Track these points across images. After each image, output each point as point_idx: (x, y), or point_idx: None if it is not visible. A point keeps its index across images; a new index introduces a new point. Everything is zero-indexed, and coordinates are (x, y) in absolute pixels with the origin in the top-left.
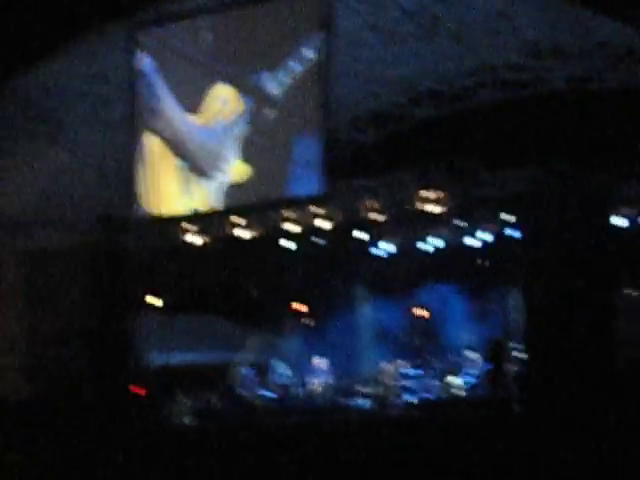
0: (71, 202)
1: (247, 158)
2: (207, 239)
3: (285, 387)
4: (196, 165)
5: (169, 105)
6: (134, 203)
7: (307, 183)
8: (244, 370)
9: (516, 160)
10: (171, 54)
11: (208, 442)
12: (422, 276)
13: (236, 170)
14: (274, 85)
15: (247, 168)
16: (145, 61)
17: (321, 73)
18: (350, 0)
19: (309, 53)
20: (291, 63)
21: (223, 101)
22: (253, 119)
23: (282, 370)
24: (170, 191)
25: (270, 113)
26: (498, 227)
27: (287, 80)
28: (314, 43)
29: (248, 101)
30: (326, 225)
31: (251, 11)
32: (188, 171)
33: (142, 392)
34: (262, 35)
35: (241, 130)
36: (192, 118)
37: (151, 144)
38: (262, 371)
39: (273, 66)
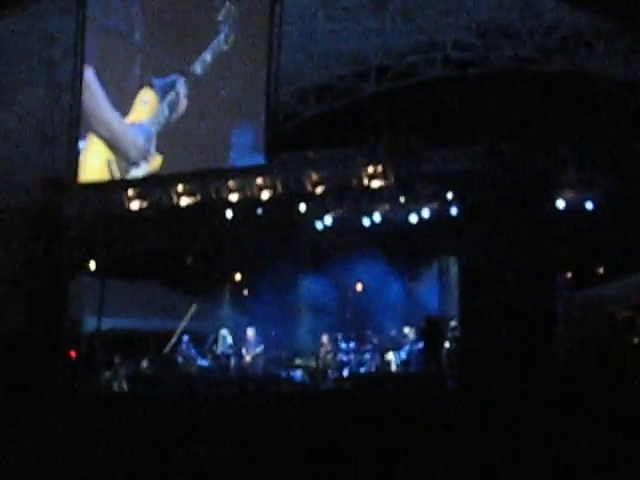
0: (13, 164)
1: (183, 135)
2: (149, 206)
3: (223, 357)
4: (125, 156)
5: (106, 108)
6: (77, 167)
7: (250, 154)
8: (184, 338)
9: (460, 138)
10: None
11: (140, 408)
12: (362, 251)
13: (155, 160)
14: (212, 58)
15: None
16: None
17: (269, 45)
18: None
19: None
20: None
21: (145, 102)
22: (191, 94)
23: (226, 340)
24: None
25: (212, 87)
26: (439, 204)
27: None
28: (263, 14)
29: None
30: (268, 196)
31: None
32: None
33: (75, 355)
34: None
35: (163, 123)
36: (123, 118)
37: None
38: (200, 340)
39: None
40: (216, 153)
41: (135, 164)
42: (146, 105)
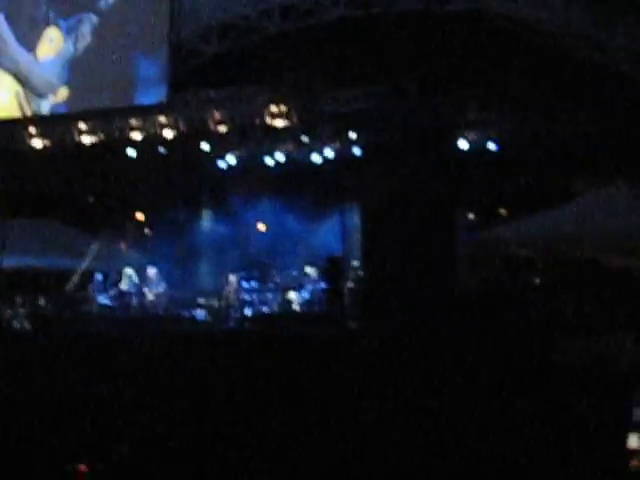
0: None
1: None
2: (51, 144)
3: (125, 296)
4: (33, 89)
5: (13, 46)
6: None
7: (153, 92)
8: (96, 276)
9: (363, 78)
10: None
11: (41, 348)
12: (264, 191)
13: (62, 93)
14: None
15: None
16: None
17: None
18: None
19: None
20: None
21: (51, 40)
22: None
23: (131, 278)
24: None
25: (116, 24)
26: (341, 144)
27: None
28: None
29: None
30: (170, 134)
31: None
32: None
33: None
34: None
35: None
36: (31, 55)
37: None
38: (98, 280)
39: None
40: (120, 88)
41: (42, 96)
42: (52, 43)
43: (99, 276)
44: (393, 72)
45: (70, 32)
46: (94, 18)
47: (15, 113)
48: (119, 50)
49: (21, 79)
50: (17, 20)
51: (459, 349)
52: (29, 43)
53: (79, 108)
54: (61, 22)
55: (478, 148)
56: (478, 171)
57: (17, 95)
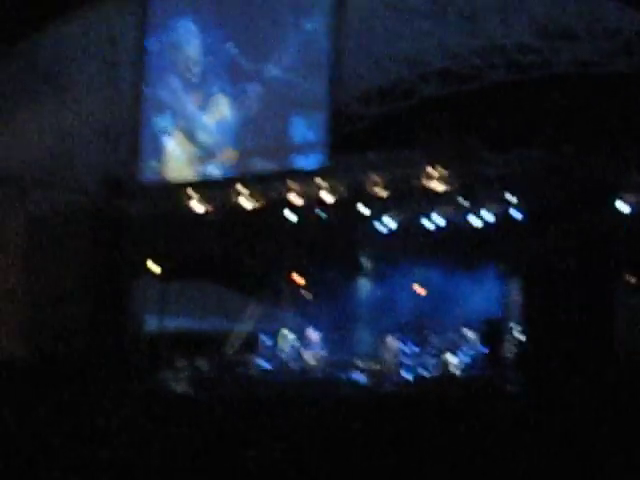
0: (75, 165)
1: (248, 137)
2: (211, 207)
3: (283, 359)
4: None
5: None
6: (138, 168)
7: (312, 156)
8: (255, 338)
9: (521, 141)
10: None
11: (200, 410)
12: (423, 253)
13: (225, 155)
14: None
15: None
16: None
17: (330, 47)
18: None
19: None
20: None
21: (218, 105)
22: (258, 99)
23: (287, 340)
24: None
25: (276, 93)
26: (501, 207)
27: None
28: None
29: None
30: (329, 198)
31: None
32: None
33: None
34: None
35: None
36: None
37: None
38: (255, 342)
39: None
40: (281, 152)
41: (208, 158)
42: (219, 109)
43: (258, 338)
44: (552, 134)
45: (236, 99)
46: (259, 87)
47: (183, 172)
48: (280, 115)
49: (193, 140)
50: (189, 87)
51: (625, 413)
52: (200, 108)
53: (241, 171)
54: (228, 90)
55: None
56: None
57: (190, 155)
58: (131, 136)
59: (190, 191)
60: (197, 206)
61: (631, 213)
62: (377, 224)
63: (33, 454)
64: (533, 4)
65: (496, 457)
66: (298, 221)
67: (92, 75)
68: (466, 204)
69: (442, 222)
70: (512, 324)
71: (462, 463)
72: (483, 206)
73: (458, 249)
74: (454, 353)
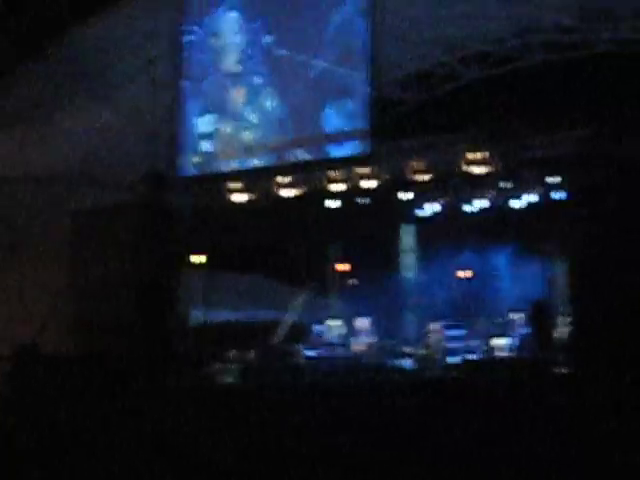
0: (117, 160)
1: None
2: (253, 198)
3: (332, 347)
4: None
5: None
6: (181, 161)
7: (353, 144)
8: (316, 327)
9: (562, 122)
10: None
11: (251, 401)
12: (466, 238)
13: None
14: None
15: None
16: None
17: (368, 33)
18: None
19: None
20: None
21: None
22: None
23: (337, 329)
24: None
25: (314, 78)
26: (543, 189)
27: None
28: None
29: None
30: (371, 185)
31: None
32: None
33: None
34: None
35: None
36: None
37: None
38: (305, 330)
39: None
40: (321, 141)
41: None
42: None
43: (305, 328)
44: (594, 115)
45: (274, 90)
46: (297, 77)
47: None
48: (320, 103)
49: (233, 132)
50: (228, 79)
51: None
52: (239, 99)
53: (283, 161)
54: (267, 81)
55: None
56: None
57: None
58: (172, 130)
59: (233, 183)
60: (240, 197)
61: None
62: (419, 210)
63: (80, 450)
64: None
65: (544, 440)
66: (341, 209)
67: (132, 71)
68: (509, 187)
69: (484, 205)
70: (559, 306)
71: (510, 446)
72: (526, 189)
73: (501, 233)
74: (501, 336)
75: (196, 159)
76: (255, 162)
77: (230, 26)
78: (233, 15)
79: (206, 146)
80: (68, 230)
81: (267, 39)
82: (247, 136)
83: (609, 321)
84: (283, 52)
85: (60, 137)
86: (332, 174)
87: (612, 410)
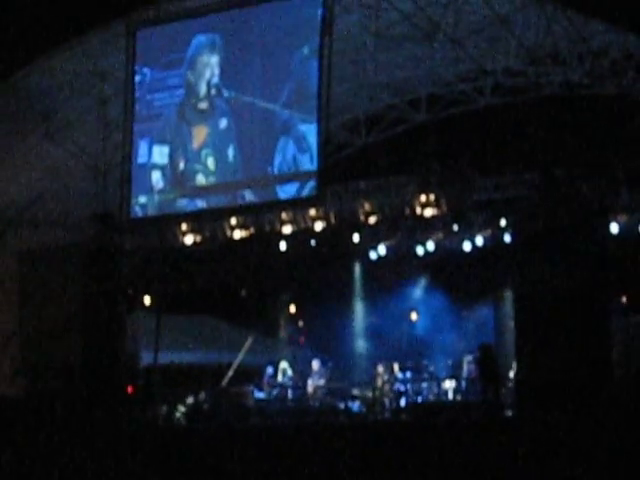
0: (66, 200)
1: (237, 164)
2: (203, 239)
3: (282, 389)
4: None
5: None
6: (129, 202)
7: (302, 185)
8: (252, 370)
9: (512, 165)
10: None
11: (200, 442)
12: (416, 279)
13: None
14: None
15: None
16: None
17: (319, 76)
18: (349, 3)
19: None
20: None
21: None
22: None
23: (286, 372)
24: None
25: (264, 120)
26: (492, 232)
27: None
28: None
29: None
30: (321, 227)
31: (248, 12)
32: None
33: (132, 390)
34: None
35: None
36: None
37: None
38: (256, 372)
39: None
40: (270, 183)
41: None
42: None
43: (255, 370)
44: (542, 158)
45: (224, 132)
46: (248, 119)
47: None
48: (269, 145)
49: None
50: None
51: (619, 438)
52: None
53: (232, 203)
54: (216, 123)
55: (630, 230)
56: (630, 254)
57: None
58: (121, 171)
59: (182, 224)
60: (190, 238)
61: (621, 234)
62: (370, 251)
63: None
64: (520, 29)
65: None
66: (290, 251)
67: (83, 111)
68: (457, 229)
69: (434, 247)
70: (507, 349)
71: None
72: (475, 231)
73: (451, 274)
74: (449, 379)
75: (145, 200)
76: (205, 203)
77: (178, 68)
78: (187, 55)
79: (157, 185)
80: (14, 270)
81: (217, 81)
82: (199, 175)
83: (554, 364)
84: (233, 94)
85: (7, 177)
86: (283, 216)
87: (552, 450)
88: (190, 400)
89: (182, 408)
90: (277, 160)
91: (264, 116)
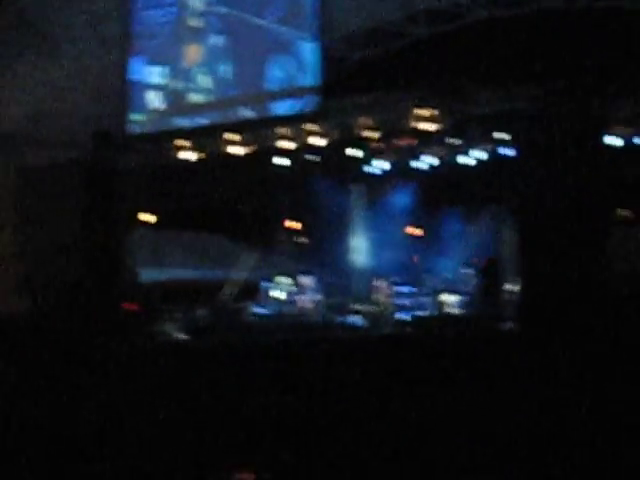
0: (65, 119)
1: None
2: (201, 156)
3: (279, 304)
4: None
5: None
6: (128, 120)
7: (302, 100)
8: (251, 285)
9: (511, 78)
10: None
11: (199, 358)
12: (416, 194)
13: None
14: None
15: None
16: None
17: None
18: None
19: None
20: None
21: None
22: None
23: (285, 286)
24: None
25: (261, 36)
26: (492, 145)
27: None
28: None
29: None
30: (320, 142)
31: None
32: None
33: (133, 307)
34: None
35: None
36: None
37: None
38: (255, 288)
39: None
40: (268, 98)
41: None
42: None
43: (253, 285)
44: (542, 71)
45: (221, 49)
46: (244, 36)
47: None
48: (267, 61)
49: (181, 91)
50: (176, 38)
51: (620, 351)
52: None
53: (231, 119)
54: (213, 40)
55: (631, 143)
56: (632, 166)
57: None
58: (120, 88)
59: (180, 141)
60: (188, 155)
61: (623, 147)
62: (369, 167)
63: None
64: None
65: (492, 397)
66: (290, 167)
67: (81, 29)
68: (457, 144)
69: (434, 162)
70: (507, 262)
71: (458, 403)
72: (474, 145)
73: (450, 188)
74: (450, 292)
75: (144, 117)
76: (203, 120)
77: None
78: None
79: (153, 103)
80: (12, 188)
81: None
82: (196, 93)
83: (556, 277)
84: (229, 11)
85: (6, 97)
86: (281, 132)
87: (557, 368)
88: (189, 316)
89: (181, 325)
90: (275, 76)
91: (259, 33)
